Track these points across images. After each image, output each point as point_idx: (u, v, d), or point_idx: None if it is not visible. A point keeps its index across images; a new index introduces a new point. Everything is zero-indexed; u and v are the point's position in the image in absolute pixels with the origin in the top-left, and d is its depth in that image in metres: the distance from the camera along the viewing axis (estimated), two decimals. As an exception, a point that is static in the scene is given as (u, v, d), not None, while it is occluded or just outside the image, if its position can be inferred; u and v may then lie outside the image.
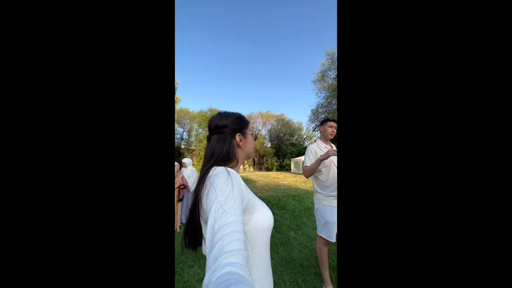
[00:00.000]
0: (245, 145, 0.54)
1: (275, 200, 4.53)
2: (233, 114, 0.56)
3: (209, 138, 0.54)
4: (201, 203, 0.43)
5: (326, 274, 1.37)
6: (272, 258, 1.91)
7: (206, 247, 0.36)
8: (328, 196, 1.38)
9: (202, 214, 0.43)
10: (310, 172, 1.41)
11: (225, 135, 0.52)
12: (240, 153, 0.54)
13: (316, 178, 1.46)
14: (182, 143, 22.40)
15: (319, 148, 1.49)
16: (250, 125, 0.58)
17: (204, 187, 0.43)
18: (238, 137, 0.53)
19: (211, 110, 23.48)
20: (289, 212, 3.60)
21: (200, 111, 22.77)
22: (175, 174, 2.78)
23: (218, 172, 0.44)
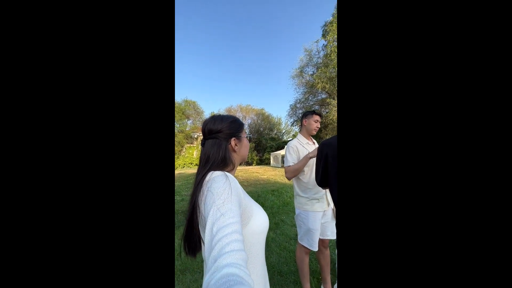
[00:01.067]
0: (240, 149, 0.55)
1: (254, 196, 4.37)
2: (227, 118, 0.55)
3: (203, 143, 0.54)
4: (199, 209, 0.43)
5: (307, 284, 1.22)
6: (248, 267, 1.70)
7: (204, 250, 0.38)
8: (311, 199, 1.20)
9: (200, 220, 0.44)
10: (295, 172, 1.19)
11: (220, 140, 0.52)
12: (235, 157, 0.54)
13: (298, 179, 1.25)
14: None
15: (300, 145, 1.29)
16: (244, 128, 0.57)
17: (202, 193, 0.43)
18: (233, 141, 0.53)
19: (186, 101, 21.76)
20: (268, 209, 3.48)
21: (175, 102, 20.87)
22: None
23: (216, 176, 0.44)
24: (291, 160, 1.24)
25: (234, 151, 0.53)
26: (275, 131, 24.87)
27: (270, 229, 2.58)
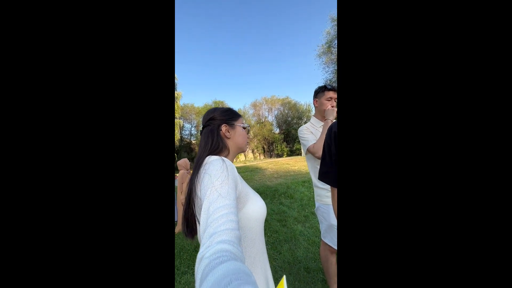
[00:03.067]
0: (234, 137, 0.56)
1: (283, 188, 4.28)
2: (222, 108, 0.59)
3: (201, 132, 0.58)
4: (196, 191, 0.45)
5: (334, 286, 1.08)
6: (274, 259, 1.68)
7: (200, 229, 0.39)
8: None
9: (196, 201, 0.45)
10: (321, 148, 0.99)
11: (212, 127, 0.56)
12: (230, 143, 0.56)
13: (315, 168, 1.07)
14: (192, 139, 22.94)
15: (313, 127, 1.09)
16: (241, 119, 0.59)
17: (199, 175, 0.45)
18: (224, 127, 0.56)
19: (215, 102, 23.25)
20: (297, 201, 3.33)
21: (205, 105, 22.74)
22: (186, 175, 2.66)
23: (213, 160, 0.46)
24: (311, 138, 1.04)
25: (227, 137, 0.55)
26: (305, 119, 23.28)
27: (298, 221, 2.46)
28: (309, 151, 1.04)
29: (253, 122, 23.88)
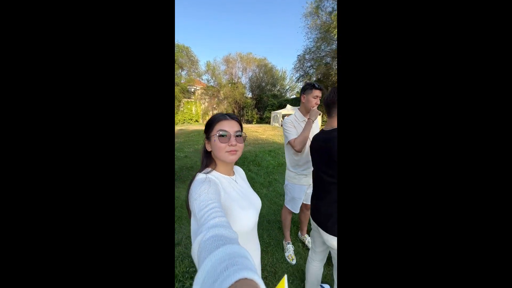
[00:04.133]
0: (213, 149, 0.57)
1: (252, 156, 4.70)
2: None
3: None
4: (189, 204, 0.48)
5: (287, 232, 1.56)
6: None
7: (192, 235, 0.49)
8: (299, 174, 1.31)
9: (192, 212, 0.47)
10: (304, 140, 1.10)
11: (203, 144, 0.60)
12: (214, 156, 0.58)
13: (291, 155, 1.29)
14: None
15: (297, 122, 1.23)
16: (218, 125, 0.56)
17: (189, 191, 0.49)
18: (206, 143, 0.59)
19: (177, 46, 18.54)
20: (264, 168, 3.84)
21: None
22: None
23: (197, 179, 0.52)
24: (294, 133, 1.17)
25: (209, 151, 0.59)
26: (278, 87, 22.95)
27: (263, 186, 2.96)
28: (289, 144, 1.20)
29: (224, 81, 21.52)
